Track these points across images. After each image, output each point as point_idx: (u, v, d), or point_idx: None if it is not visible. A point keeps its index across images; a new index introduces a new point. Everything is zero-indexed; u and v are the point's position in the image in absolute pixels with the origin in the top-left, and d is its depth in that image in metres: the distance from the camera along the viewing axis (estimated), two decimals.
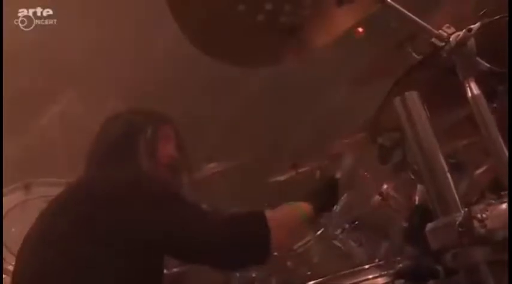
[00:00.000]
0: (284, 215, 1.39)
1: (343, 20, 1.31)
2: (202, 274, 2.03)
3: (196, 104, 3.02)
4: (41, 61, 3.11)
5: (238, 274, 2.31)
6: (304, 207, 1.41)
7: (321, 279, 1.37)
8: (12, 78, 3.02)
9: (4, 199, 2.21)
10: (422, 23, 1.09)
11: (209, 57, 1.28)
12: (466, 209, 0.83)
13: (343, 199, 2.05)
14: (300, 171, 2.42)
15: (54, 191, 2.14)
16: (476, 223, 0.81)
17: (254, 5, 1.17)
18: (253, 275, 2.24)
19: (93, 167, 1.47)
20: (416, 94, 1.00)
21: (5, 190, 2.23)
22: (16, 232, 2.08)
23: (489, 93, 1.00)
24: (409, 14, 1.11)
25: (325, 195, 1.48)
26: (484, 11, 1.22)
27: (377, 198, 1.82)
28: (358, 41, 1.73)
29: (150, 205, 1.27)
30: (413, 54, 1.69)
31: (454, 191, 0.90)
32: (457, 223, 0.82)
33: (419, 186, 1.24)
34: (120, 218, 1.25)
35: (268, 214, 1.32)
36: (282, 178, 2.51)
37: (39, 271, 1.25)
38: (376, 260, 1.77)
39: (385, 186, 1.82)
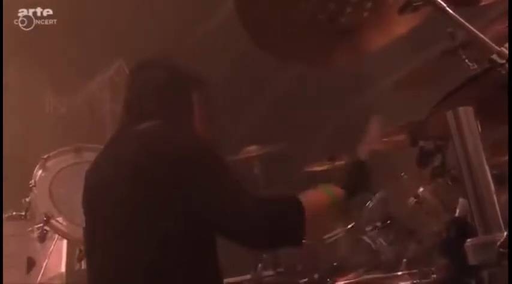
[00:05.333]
0: (315, 199, 1.39)
1: (401, 25, 1.31)
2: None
3: (238, 87, 3.06)
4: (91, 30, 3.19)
5: (265, 256, 2.37)
6: (334, 190, 1.41)
7: (351, 280, 1.38)
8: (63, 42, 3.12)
9: (55, 160, 2.33)
10: (484, 38, 1.08)
11: (262, 50, 1.31)
12: (509, 231, 0.84)
13: (378, 196, 2.07)
14: (337, 163, 2.44)
15: None
16: None
17: (317, 4, 1.19)
18: (280, 260, 2.30)
19: (145, 117, 1.38)
20: (471, 110, 1.00)
21: (57, 151, 2.34)
22: (64, 193, 2.21)
23: None
24: (471, 27, 1.10)
25: (354, 178, 1.46)
26: None
27: (412, 199, 1.83)
28: (411, 42, 1.72)
29: (196, 170, 1.28)
30: (467, 61, 1.66)
31: (498, 210, 0.91)
32: (498, 243, 0.84)
33: (461, 199, 1.25)
34: (167, 175, 1.25)
35: (301, 197, 1.33)
36: (318, 168, 2.53)
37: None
38: (404, 260, 1.80)
39: (421, 189, 1.82)
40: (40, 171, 2.33)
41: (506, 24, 1.57)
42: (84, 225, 1.39)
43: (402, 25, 1.32)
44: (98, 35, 3.20)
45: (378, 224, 1.87)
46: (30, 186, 2.25)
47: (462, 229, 1.14)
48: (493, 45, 1.05)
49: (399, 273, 1.32)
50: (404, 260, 1.78)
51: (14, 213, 2.35)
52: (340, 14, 1.21)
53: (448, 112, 1.03)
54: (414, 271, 1.28)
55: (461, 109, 1.00)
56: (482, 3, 1.33)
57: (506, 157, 1.39)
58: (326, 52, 1.35)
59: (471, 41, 1.72)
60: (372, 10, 1.24)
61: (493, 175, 0.98)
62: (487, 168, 0.94)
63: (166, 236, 1.24)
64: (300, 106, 3.18)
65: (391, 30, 1.33)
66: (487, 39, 1.06)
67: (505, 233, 0.85)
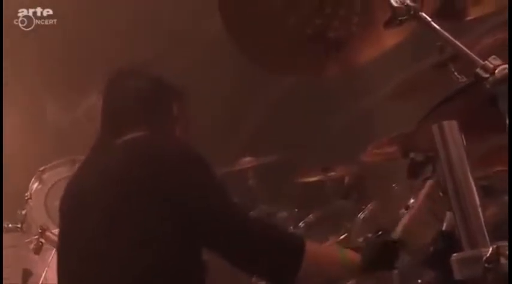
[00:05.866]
0: (323, 250, 1.40)
1: (391, 38, 1.33)
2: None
3: (232, 98, 3.06)
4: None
5: None
6: (348, 254, 1.37)
7: None
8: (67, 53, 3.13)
9: (51, 172, 2.34)
10: (469, 52, 1.10)
11: (253, 63, 1.32)
12: (495, 246, 0.84)
13: (369, 207, 2.08)
14: (329, 174, 2.45)
15: None
16: (503, 260, 0.83)
17: (304, 18, 1.21)
18: None
19: (127, 127, 1.39)
20: (456, 124, 1.01)
21: (52, 163, 2.35)
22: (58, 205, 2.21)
23: None
24: (455, 41, 1.11)
25: (377, 255, 1.41)
26: None
27: (403, 211, 1.83)
28: (401, 55, 1.74)
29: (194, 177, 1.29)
30: (456, 74, 1.68)
31: (483, 224, 0.91)
32: (484, 258, 0.84)
33: (448, 213, 1.26)
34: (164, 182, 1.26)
35: (308, 243, 1.30)
36: (311, 179, 2.55)
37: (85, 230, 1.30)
38: (395, 271, 1.79)
39: (411, 201, 1.82)
40: (36, 184, 2.34)
41: (495, 38, 1.59)
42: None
43: (392, 38, 1.34)
44: (99, 35, 3.20)
45: (369, 235, 1.87)
46: (26, 198, 2.26)
47: (449, 242, 1.14)
48: (477, 59, 1.06)
49: None
50: (396, 271, 1.77)
51: (10, 225, 2.35)
52: (327, 28, 1.22)
53: (433, 126, 1.03)
54: None
55: (445, 123, 1.00)
56: (468, 18, 1.35)
57: (496, 169, 1.40)
58: (316, 66, 1.36)
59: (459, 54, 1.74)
60: (360, 24, 1.25)
61: (481, 187, 0.98)
62: (472, 181, 0.94)
63: (156, 245, 1.24)
64: (294, 118, 3.19)
65: (381, 43, 1.35)
66: (471, 53, 1.07)
67: (491, 248, 0.85)
